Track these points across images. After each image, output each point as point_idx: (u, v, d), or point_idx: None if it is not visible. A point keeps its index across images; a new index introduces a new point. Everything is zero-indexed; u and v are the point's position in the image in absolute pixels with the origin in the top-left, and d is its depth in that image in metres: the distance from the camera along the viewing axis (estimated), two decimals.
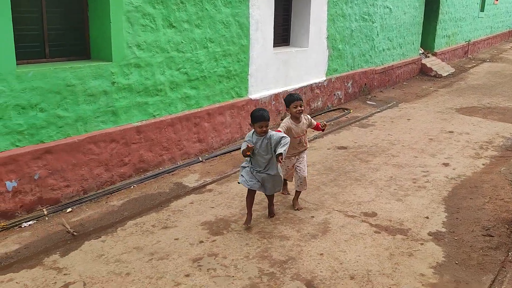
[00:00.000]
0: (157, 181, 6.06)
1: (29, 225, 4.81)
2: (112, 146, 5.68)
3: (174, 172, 6.34)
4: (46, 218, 4.96)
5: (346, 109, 10.31)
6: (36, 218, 4.92)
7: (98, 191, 5.58)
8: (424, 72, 15.47)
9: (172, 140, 6.48)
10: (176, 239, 4.59)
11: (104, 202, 5.42)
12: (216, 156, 7.01)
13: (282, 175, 4.97)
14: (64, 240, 4.54)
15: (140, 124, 5.99)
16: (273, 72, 8.41)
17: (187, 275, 3.97)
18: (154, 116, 6.20)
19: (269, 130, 4.73)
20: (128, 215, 5.09)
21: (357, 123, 9.35)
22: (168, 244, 4.50)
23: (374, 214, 5.21)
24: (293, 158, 5.30)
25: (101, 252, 4.35)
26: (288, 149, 4.78)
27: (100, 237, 4.63)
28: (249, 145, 4.59)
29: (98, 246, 4.46)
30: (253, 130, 4.73)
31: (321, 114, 9.93)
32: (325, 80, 10.07)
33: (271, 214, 5.09)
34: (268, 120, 4.66)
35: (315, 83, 9.74)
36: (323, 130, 5.35)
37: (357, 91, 11.54)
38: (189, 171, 6.45)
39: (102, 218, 5.02)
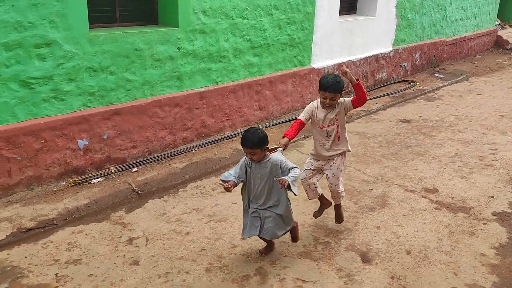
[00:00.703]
0: (218, 146, 6.19)
1: (98, 181, 5.10)
2: (176, 110, 5.84)
3: (234, 139, 6.44)
4: (114, 176, 5.24)
5: (412, 82, 9.95)
6: (104, 175, 5.20)
7: (162, 153, 5.79)
8: (500, 44, 14.55)
9: (233, 107, 6.57)
10: (234, 203, 4.71)
11: (167, 164, 5.63)
12: (276, 125, 7.03)
13: (292, 216, 3.68)
14: (130, 198, 4.79)
15: (203, 90, 6.10)
16: (337, 41, 8.23)
17: (244, 239, 4.08)
18: (217, 82, 6.29)
19: (271, 154, 3.48)
20: (189, 178, 5.26)
21: (423, 96, 9.01)
22: (226, 208, 4.63)
23: (435, 190, 5.07)
24: (315, 162, 3.97)
25: (163, 211, 4.56)
26: (314, 147, 3.86)
27: (163, 197, 4.85)
28: (224, 184, 3.38)
29: (161, 205, 4.67)
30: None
31: (385, 85, 9.65)
32: (391, 51, 9.73)
33: (295, 239, 3.95)
34: (255, 149, 3.32)
35: (381, 54, 9.44)
36: (356, 83, 3.62)
37: (425, 63, 11.08)
38: None
39: (165, 179, 5.23)
